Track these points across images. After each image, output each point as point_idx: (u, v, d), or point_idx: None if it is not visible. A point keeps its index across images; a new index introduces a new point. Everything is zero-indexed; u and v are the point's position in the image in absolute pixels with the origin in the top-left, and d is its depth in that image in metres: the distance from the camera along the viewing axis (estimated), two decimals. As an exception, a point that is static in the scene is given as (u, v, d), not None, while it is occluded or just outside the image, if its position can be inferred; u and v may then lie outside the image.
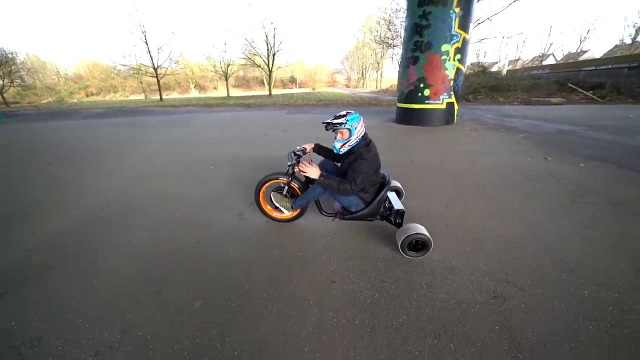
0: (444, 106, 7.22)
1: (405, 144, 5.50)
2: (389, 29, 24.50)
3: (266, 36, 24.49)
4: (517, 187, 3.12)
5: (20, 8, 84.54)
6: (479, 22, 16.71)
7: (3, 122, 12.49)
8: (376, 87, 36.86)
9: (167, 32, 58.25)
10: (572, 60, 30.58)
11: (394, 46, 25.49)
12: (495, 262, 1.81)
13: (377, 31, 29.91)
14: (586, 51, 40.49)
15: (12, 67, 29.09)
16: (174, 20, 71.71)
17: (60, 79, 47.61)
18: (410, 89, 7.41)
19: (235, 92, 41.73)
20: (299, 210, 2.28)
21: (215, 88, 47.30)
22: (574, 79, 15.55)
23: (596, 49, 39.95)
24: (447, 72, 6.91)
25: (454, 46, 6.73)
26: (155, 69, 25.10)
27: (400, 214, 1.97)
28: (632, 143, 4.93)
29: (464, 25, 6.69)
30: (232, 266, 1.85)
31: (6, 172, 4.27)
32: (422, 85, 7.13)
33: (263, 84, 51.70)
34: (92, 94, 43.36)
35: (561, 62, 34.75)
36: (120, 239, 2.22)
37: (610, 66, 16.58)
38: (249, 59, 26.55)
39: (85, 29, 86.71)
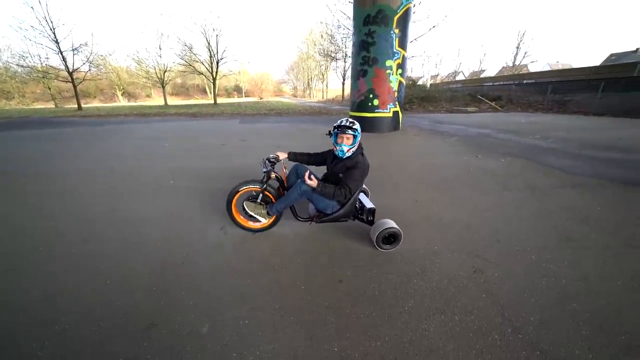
0: (390, 114, 8.05)
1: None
2: (332, 43, 26.10)
3: (208, 42, 23.23)
4: (462, 180, 3.72)
5: None
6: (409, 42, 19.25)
7: None
8: (322, 97, 38.48)
9: (86, 30, 50.23)
10: (475, 77, 37.61)
11: (336, 59, 27.19)
12: (465, 242, 2.16)
13: (320, 44, 31.44)
14: (484, 70, 50.18)
15: None
16: (93, 17, 62.11)
17: None
18: (361, 99, 8.05)
19: (174, 101, 38.31)
20: (274, 218, 2.27)
21: (148, 96, 42.46)
22: (481, 92, 19.14)
23: (490, 69, 49.81)
24: (391, 84, 7.77)
25: (396, 62, 7.64)
26: (70, 73, 21.11)
27: (371, 212, 2.10)
28: (529, 142, 6.35)
29: (403, 43, 7.67)
30: (231, 281, 1.75)
31: None
32: (371, 95, 7.84)
33: (205, 92, 48.75)
34: (-30, 102, 33.89)
35: (468, 78, 42.32)
36: (97, 276, 1.85)
37: (502, 83, 21.04)
38: (189, 65, 24.72)
39: (-45, 19, 67.79)
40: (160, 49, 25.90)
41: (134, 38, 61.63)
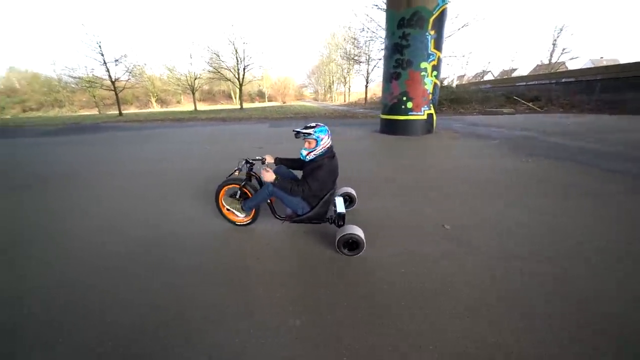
0: (425, 117, 7.88)
1: (402, 152, 5.84)
2: (355, 46, 26.16)
3: (236, 51, 24.28)
4: (516, 185, 3.53)
5: None
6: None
7: None
8: (344, 101, 38.49)
9: (126, 43, 54.61)
10: (506, 77, 35.68)
11: (359, 62, 27.16)
12: (545, 246, 2.05)
13: (343, 48, 31.62)
14: (516, 69, 47.50)
15: None
16: (133, 30, 67.51)
17: (-15, 92, 41.17)
18: (394, 102, 7.96)
19: (202, 106, 40.15)
20: (252, 214, 2.46)
21: (179, 102, 45.05)
22: (515, 92, 18.11)
23: (523, 67, 47.01)
24: (426, 86, 7.61)
25: (431, 64, 7.48)
26: (113, 82, 23.09)
27: (341, 216, 2.09)
28: (582, 145, 5.89)
29: (438, 45, 7.50)
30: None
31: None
32: (405, 98, 7.73)
33: (230, 97, 50.83)
34: (31, 109, 38.17)
35: (498, 77, 40.27)
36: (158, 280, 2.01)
37: (537, 82, 19.70)
38: (217, 72, 25.94)
39: (15, 35, 76.95)
40: (191, 57, 27.53)
41: (168, 48, 65.96)
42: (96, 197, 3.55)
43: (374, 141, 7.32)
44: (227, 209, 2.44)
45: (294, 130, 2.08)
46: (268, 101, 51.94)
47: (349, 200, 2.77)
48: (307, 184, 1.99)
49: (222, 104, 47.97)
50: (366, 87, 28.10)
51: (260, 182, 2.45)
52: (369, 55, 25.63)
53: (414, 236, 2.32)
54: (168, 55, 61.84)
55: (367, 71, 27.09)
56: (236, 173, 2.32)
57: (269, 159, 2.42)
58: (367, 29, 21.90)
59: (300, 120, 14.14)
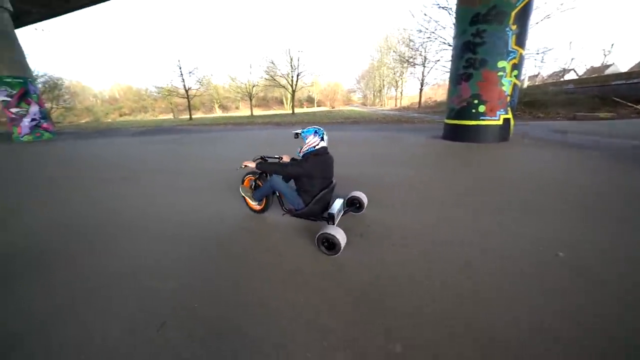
0: (500, 122, 6.96)
1: (476, 161, 5.22)
2: (410, 48, 25.02)
3: (291, 59, 25.58)
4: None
5: (62, 39, 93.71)
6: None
7: (55, 139, 13.36)
8: (395, 105, 37.14)
9: (198, 57, 62.37)
10: (596, 75, 29.73)
11: (414, 64, 25.89)
12: None
13: (396, 50, 30.61)
14: (610, 65, 39.44)
15: (59, 91, 31.79)
16: (202, 46, 77.03)
17: (97, 100, 51.45)
18: (463, 106, 7.24)
19: (257, 111, 43.12)
20: (263, 205, 2.81)
21: (237, 108, 49.39)
22: (616, 93, 14.90)
23: (621, 63, 38.72)
24: (503, 88, 6.73)
25: (511, 62, 6.59)
26: (187, 91, 26.55)
27: (331, 216, 2.18)
28: None
29: (521, 41, 6.58)
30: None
31: (111, 187, 4.35)
32: (476, 101, 6.96)
33: (282, 103, 53.75)
34: (125, 114, 46.39)
35: (585, 76, 33.87)
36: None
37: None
38: (273, 79, 27.64)
39: (118, 56, 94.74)
40: (250, 67, 29.99)
41: (231, 59, 73.33)
42: (173, 188, 3.96)
43: (438, 148, 6.73)
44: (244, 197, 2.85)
45: (293, 132, 2.46)
46: (317, 106, 53.31)
47: (357, 204, 2.74)
48: (288, 167, 2.20)
49: (274, 109, 50.98)
50: (421, 90, 26.62)
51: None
52: (425, 57, 24.27)
53: (516, 264, 1.94)
54: (231, 66, 68.62)
55: (423, 74, 25.67)
56: (243, 166, 2.54)
57: (286, 158, 2.74)
58: (425, 29, 20.80)
59: (350, 125, 14.02)
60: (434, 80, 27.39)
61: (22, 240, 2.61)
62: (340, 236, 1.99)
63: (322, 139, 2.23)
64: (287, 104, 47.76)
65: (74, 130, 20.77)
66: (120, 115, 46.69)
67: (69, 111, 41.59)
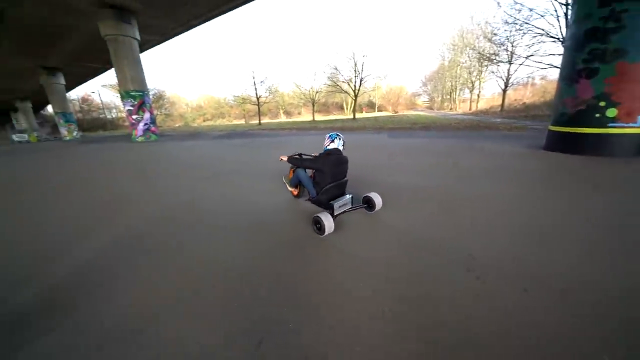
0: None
1: (608, 183, 3.94)
2: (494, 43, 21.88)
3: (354, 64, 25.50)
4: None
5: (165, 57, 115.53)
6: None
7: (159, 140, 16.32)
8: (470, 109, 33.13)
9: (268, 67, 68.36)
10: None
11: (498, 62, 22.55)
12: None
13: (474, 48, 27.30)
14: None
15: (162, 101, 39.17)
16: (272, 57, 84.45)
17: (188, 108, 61.47)
18: (580, 109, 5.74)
19: (318, 117, 44.50)
20: (298, 191, 3.56)
21: (299, 113, 52.05)
22: None
23: None
24: (651, 84, 5.05)
25: (665, 50, 4.90)
26: (257, 99, 29.24)
27: (330, 207, 2.64)
28: None
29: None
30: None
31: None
32: (603, 103, 5.41)
33: (342, 108, 54.30)
34: (207, 119, 54.13)
35: None
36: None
37: None
38: (336, 85, 28.02)
39: (204, 70, 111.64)
40: (315, 74, 31.13)
41: (295, 66, 78.33)
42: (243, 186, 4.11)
43: (545, 162, 5.43)
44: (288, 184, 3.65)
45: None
46: (378, 111, 51.93)
47: (367, 204, 3.01)
48: (306, 161, 2.73)
49: (334, 114, 51.85)
50: (504, 91, 22.99)
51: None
52: (511, 53, 20.87)
53: None
54: (296, 74, 73.11)
55: (508, 72, 22.15)
56: (280, 159, 3.13)
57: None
58: (514, 20, 17.87)
59: (420, 131, 12.94)
60: (523, 79, 23.40)
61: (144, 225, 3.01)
62: (328, 223, 2.37)
63: (333, 141, 2.74)
64: (347, 109, 47.89)
65: (171, 132, 25.09)
66: (204, 121, 54.64)
67: (168, 117, 50.83)
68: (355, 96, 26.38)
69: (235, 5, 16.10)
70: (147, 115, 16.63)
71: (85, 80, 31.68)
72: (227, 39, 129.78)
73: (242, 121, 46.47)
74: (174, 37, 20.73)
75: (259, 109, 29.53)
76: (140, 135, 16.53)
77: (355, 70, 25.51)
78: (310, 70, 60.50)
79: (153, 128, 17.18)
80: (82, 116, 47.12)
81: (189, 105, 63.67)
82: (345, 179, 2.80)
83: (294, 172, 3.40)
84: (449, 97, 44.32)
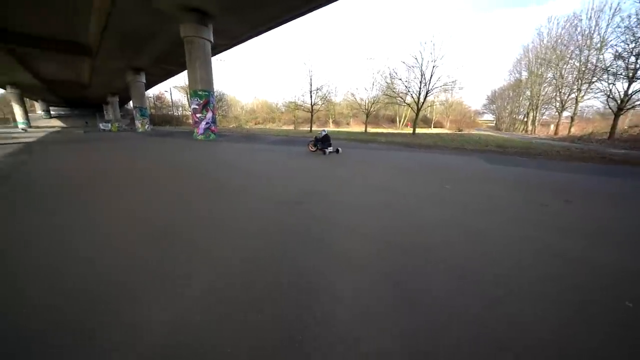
0: None
1: None
2: (616, 55, 17.61)
3: (422, 73, 23.25)
4: None
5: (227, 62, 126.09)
6: None
7: (216, 139, 16.34)
8: (555, 133, 27.87)
9: (324, 75, 68.71)
10: None
11: (615, 77, 18.05)
12: None
13: (568, 62, 22.80)
14: None
15: (221, 103, 41.59)
16: (329, 65, 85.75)
17: (242, 111, 65.13)
18: None
19: (368, 129, 42.67)
20: (315, 149, 9.88)
21: (347, 124, 50.90)
22: None
23: None
24: None
25: None
26: (312, 106, 28.74)
27: (324, 151, 9.52)
28: None
29: None
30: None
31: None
32: None
33: (393, 121, 51.65)
34: (259, 123, 56.37)
35: None
36: None
37: None
38: (397, 96, 26.01)
39: (260, 75, 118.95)
40: (373, 85, 29.61)
41: (350, 75, 78.09)
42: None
43: None
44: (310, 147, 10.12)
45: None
46: (433, 127, 48.01)
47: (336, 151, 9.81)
48: (320, 142, 9.64)
49: (383, 127, 49.49)
50: (617, 114, 18.31)
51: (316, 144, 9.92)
52: (635, 68, 16.50)
53: None
54: (350, 83, 72.03)
55: (626, 91, 17.62)
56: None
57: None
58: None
59: (501, 156, 10.29)
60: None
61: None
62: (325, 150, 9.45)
63: (324, 131, 9.94)
64: (400, 122, 45.21)
65: (226, 132, 25.77)
66: (255, 124, 56.99)
67: (224, 118, 54.15)
68: (418, 109, 23.97)
69: (308, 9, 15.56)
70: (209, 115, 16.84)
71: (161, 81, 35.13)
72: (286, 45, 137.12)
73: (291, 127, 47.05)
74: (242, 42, 21.22)
75: (311, 116, 29.00)
76: (201, 134, 16.76)
77: (421, 81, 23.24)
78: (368, 79, 58.83)
79: (213, 127, 17.36)
80: (155, 112, 52.93)
81: (243, 109, 67.53)
82: (330, 139, 9.69)
83: (313, 145, 9.90)
84: (526, 117, 38.39)
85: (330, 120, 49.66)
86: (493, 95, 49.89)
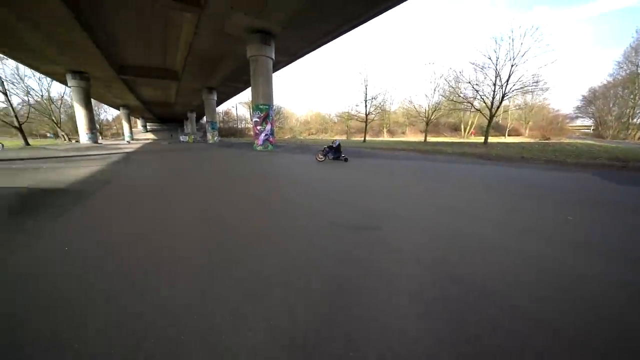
0: None
1: None
2: None
3: (497, 74, 20.22)
4: None
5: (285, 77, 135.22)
6: None
7: (274, 150, 16.99)
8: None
9: (380, 84, 67.28)
10: None
11: None
12: None
13: None
14: None
15: (278, 115, 44.24)
16: (384, 73, 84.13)
17: (297, 122, 68.41)
18: None
19: (426, 138, 39.62)
20: (324, 159, 10.35)
21: (403, 133, 48.28)
22: None
23: None
24: None
25: None
26: (367, 115, 27.98)
27: (336, 158, 10.48)
28: None
29: None
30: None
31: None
32: None
33: (456, 129, 46.76)
34: (312, 134, 58.19)
35: None
36: None
37: None
38: (465, 101, 23.26)
39: (314, 88, 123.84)
40: (434, 90, 27.23)
41: (405, 84, 74.83)
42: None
43: None
44: (318, 156, 10.62)
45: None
46: (508, 135, 41.59)
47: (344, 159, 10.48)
48: (331, 151, 10.50)
49: (444, 136, 45.21)
50: None
51: (326, 153, 10.59)
52: None
53: None
54: (407, 90, 69.01)
55: None
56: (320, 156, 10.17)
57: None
58: None
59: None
60: None
61: None
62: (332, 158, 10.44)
63: (334, 141, 10.75)
64: (465, 131, 40.58)
65: (282, 143, 26.93)
66: (309, 134, 58.97)
67: (280, 129, 57.55)
68: (491, 115, 20.79)
69: (367, 17, 15.17)
70: (268, 127, 17.70)
71: (229, 98, 39.37)
72: (339, 56, 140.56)
73: (344, 137, 46.90)
74: (301, 57, 22.06)
75: (366, 125, 28.21)
76: (260, 145, 17.68)
77: (495, 83, 20.19)
78: (428, 85, 55.06)
79: (271, 139, 18.16)
80: (222, 125, 59.75)
81: (298, 120, 70.91)
82: (340, 147, 10.65)
83: (322, 154, 10.50)
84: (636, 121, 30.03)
85: (385, 130, 47.84)
86: (592, 94, 40.67)
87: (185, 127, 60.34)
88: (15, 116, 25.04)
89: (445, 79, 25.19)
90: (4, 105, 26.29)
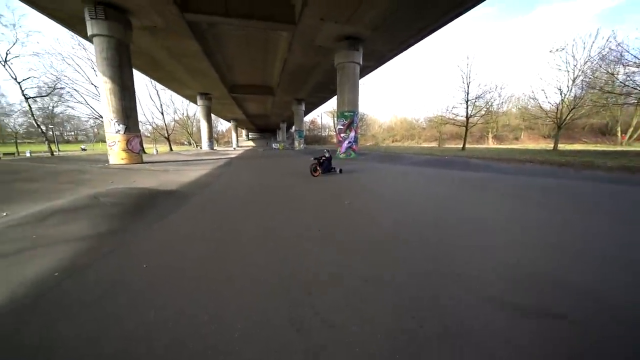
0: None
1: None
2: None
3: None
4: None
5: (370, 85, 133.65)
6: None
7: (357, 158, 16.13)
8: None
9: (486, 81, 55.76)
10: None
11: None
12: None
13: None
14: None
15: (362, 122, 43.53)
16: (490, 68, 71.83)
17: (380, 129, 66.06)
18: None
19: (544, 144, 30.47)
20: (318, 174, 8.50)
21: (516, 139, 38.85)
22: None
23: None
24: None
25: None
26: (467, 119, 23.59)
27: (327, 172, 8.89)
28: None
29: None
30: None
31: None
32: None
33: (603, 134, 33.86)
34: (396, 140, 54.75)
35: None
36: None
37: None
38: (632, 92, 16.15)
39: (398, 93, 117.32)
40: (573, 81, 20.20)
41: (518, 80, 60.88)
42: None
43: None
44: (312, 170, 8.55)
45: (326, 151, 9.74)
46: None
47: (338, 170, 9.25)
48: (324, 163, 8.84)
49: (583, 142, 33.54)
50: None
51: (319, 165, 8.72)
52: None
53: None
54: (520, 87, 55.98)
55: None
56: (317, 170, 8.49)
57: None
58: None
59: None
60: None
61: None
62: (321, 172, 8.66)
63: (327, 152, 9.40)
64: (628, 134, 28.45)
65: (364, 151, 25.78)
66: (393, 142, 55.67)
67: (362, 136, 56.66)
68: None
69: (458, 13, 12.65)
70: (352, 134, 17.03)
71: (315, 108, 41.55)
72: (428, 57, 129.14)
73: (433, 144, 41.68)
74: (388, 60, 20.60)
75: (466, 130, 23.71)
76: (343, 152, 17.19)
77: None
78: (553, 78, 42.56)
79: (354, 146, 17.41)
80: (308, 133, 64.03)
81: (381, 127, 68.35)
82: (332, 159, 9.17)
83: (317, 166, 8.63)
84: None
85: (490, 135, 39.75)
86: None
87: (277, 135, 67.99)
88: (166, 129, 33.79)
89: (596, 62, 18.14)
90: (161, 122, 36.03)
